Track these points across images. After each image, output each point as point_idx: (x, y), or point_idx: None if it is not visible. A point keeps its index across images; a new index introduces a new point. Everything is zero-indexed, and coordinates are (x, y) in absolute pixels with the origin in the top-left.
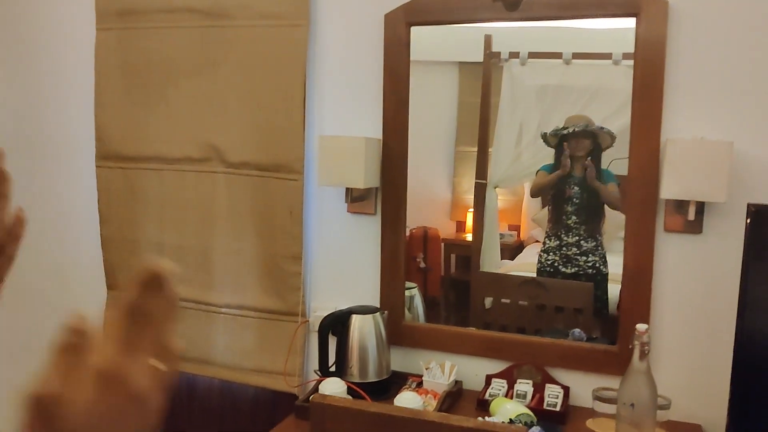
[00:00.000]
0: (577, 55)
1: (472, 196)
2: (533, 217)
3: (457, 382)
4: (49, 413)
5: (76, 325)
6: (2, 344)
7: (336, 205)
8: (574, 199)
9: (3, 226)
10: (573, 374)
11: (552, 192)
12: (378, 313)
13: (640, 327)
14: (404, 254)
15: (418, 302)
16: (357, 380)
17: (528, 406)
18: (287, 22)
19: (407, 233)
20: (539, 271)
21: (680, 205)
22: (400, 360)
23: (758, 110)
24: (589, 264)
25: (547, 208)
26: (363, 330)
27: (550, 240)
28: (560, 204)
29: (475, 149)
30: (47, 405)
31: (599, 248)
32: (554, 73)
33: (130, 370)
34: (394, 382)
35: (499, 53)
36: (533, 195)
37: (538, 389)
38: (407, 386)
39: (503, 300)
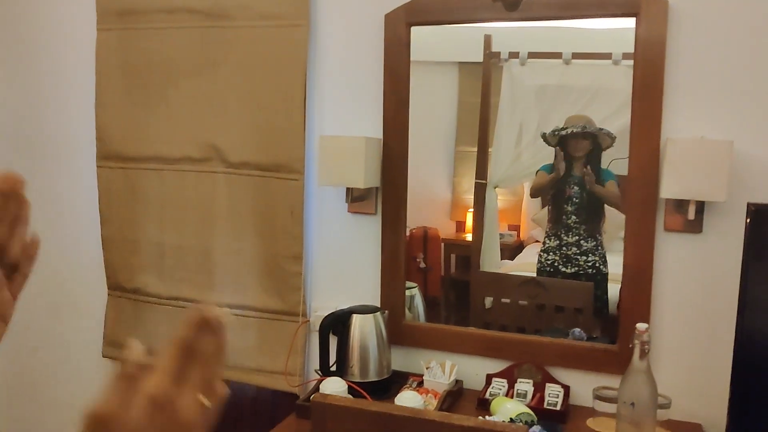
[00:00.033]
0: (576, 55)
1: (472, 196)
2: (533, 217)
3: (457, 382)
4: (105, 430)
5: (134, 357)
6: (2, 344)
7: (336, 205)
8: (574, 199)
9: (21, 247)
10: (573, 373)
11: (552, 192)
12: (378, 312)
13: (641, 326)
14: (404, 254)
15: (419, 302)
16: (358, 380)
17: (528, 406)
18: (287, 23)
19: (407, 233)
20: (539, 271)
21: (680, 205)
22: (401, 359)
23: (758, 110)
24: (589, 264)
25: (546, 207)
26: (364, 329)
27: (550, 240)
28: (560, 204)
29: (475, 149)
30: (104, 422)
31: (599, 248)
32: (554, 73)
33: (179, 399)
34: (395, 381)
35: (499, 53)
36: (533, 195)
37: (539, 388)
38: (408, 386)
39: (503, 300)
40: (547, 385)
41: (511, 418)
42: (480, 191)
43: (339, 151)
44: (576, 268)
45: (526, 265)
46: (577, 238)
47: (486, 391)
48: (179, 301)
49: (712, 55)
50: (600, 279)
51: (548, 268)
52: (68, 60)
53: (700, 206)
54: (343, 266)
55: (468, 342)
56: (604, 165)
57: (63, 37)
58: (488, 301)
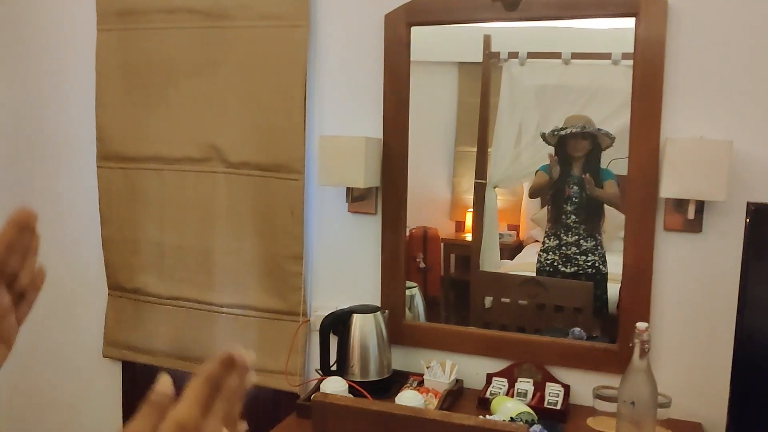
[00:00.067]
0: (576, 55)
1: (472, 196)
2: (532, 216)
3: (457, 381)
4: None
5: (163, 388)
6: None
7: (337, 204)
8: (574, 199)
9: (30, 276)
10: (573, 373)
11: (551, 192)
12: (379, 312)
13: (641, 325)
14: (404, 254)
15: (419, 301)
16: (358, 379)
17: (529, 405)
18: (287, 23)
19: (407, 233)
20: (539, 271)
21: (680, 204)
22: (401, 359)
23: (758, 109)
24: (589, 263)
25: (546, 207)
26: (364, 329)
27: (549, 239)
28: (559, 203)
29: (475, 149)
30: None
31: (599, 248)
32: (553, 73)
33: (205, 428)
34: (395, 381)
35: (499, 53)
36: (531, 196)
37: (539, 388)
38: (408, 385)
39: (503, 299)
40: (548, 384)
41: (511, 417)
42: (480, 191)
43: (339, 151)
44: (575, 268)
45: (525, 264)
46: (576, 237)
47: (486, 390)
48: (179, 301)
49: (712, 55)
50: (599, 279)
51: (548, 268)
52: (68, 60)
53: (700, 206)
54: (344, 266)
55: (468, 341)
56: (603, 165)
57: (63, 37)
58: (488, 301)
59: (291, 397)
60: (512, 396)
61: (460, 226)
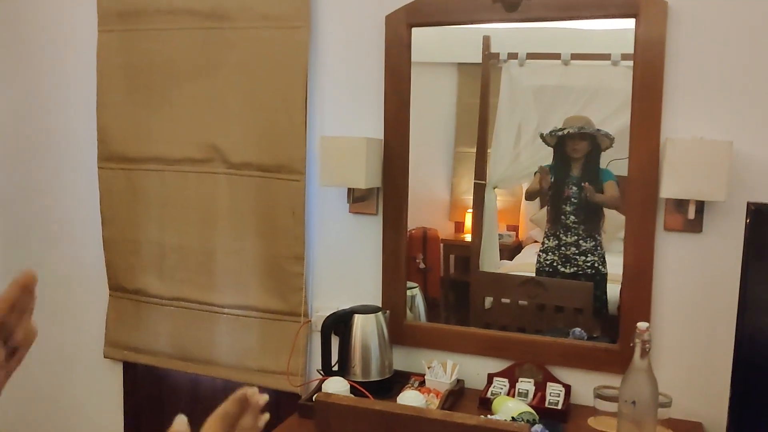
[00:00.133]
0: (575, 56)
1: (471, 197)
2: (532, 217)
3: (459, 381)
4: None
5: (179, 428)
6: None
7: (338, 205)
8: (573, 199)
9: (23, 334)
10: (574, 373)
11: (550, 192)
12: (380, 312)
13: (641, 325)
14: (405, 254)
15: (420, 302)
16: (360, 379)
17: (530, 405)
18: (288, 24)
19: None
20: (538, 271)
21: (680, 205)
22: (402, 359)
23: (757, 110)
24: (588, 264)
25: (545, 208)
26: (365, 329)
27: (548, 240)
28: (559, 204)
29: (474, 150)
30: None
31: (598, 248)
32: (553, 74)
33: None
34: (397, 381)
35: (498, 54)
36: (527, 198)
37: (540, 388)
38: (410, 385)
39: (503, 300)
40: (548, 384)
41: (513, 417)
42: (479, 192)
43: (340, 152)
44: (575, 268)
45: (524, 265)
46: (576, 238)
47: (487, 390)
48: (180, 302)
49: (712, 55)
50: (599, 279)
51: (547, 268)
52: (69, 61)
53: (700, 206)
54: (345, 266)
55: (469, 342)
56: (603, 165)
57: (64, 38)
58: (488, 302)
59: (292, 397)
60: (513, 396)
61: (459, 226)
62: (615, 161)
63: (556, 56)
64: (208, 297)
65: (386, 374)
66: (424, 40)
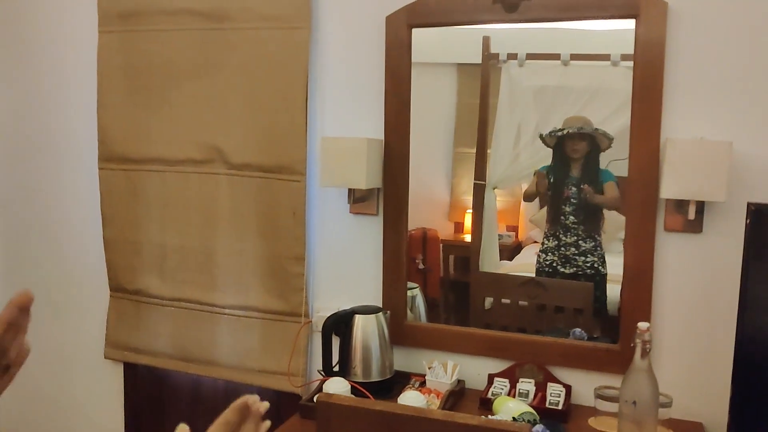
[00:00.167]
0: (575, 57)
1: (470, 197)
2: (531, 217)
3: (459, 382)
4: None
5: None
6: None
7: (338, 206)
8: (572, 200)
9: (16, 352)
10: (575, 373)
11: (550, 193)
12: (381, 313)
13: (642, 325)
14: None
15: (420, 302)
16: (360, 380)
17: (530, 405)
18: (288, 25)
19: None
20: (538, 272)
21: (680, 205)
22: (403, 360)
23: (757, 110)
24: (588, 264)
25: (545, 208)
26: (366, 330)
27: (548, 240)
28: (558, 204)
29: (474, 150)
30: None
31: (598, 248)
32: (552, 74)
33: None
34: (397, 381)
35: (498, 55)
36: (525, 200)
37: (540, 388)
38: (410, 385)
39: (503, 300)
40: (549, 384)
41: (513, 418)
42: (479, 192)
43: (341, 153)
44: (575, 269)
45: (524, 265)
46: (575, 238)
47: (488, 390)
48: (181, 303)
49: (712, 56)
50: (599, 280)
51: (547, 269)
52: (70, 62)
53: (700, 206)
54: (345, 267)
55: (469, 342)
56: (602, 165)
57: (64, 39)
58: (488, 302)
59: (293, 398)
60: (514, 396)
61: (458, 227)
62: (615, 162)
63: (556, 57)
64: (208, 297)
65: (387, 375)
66: (424, 41)
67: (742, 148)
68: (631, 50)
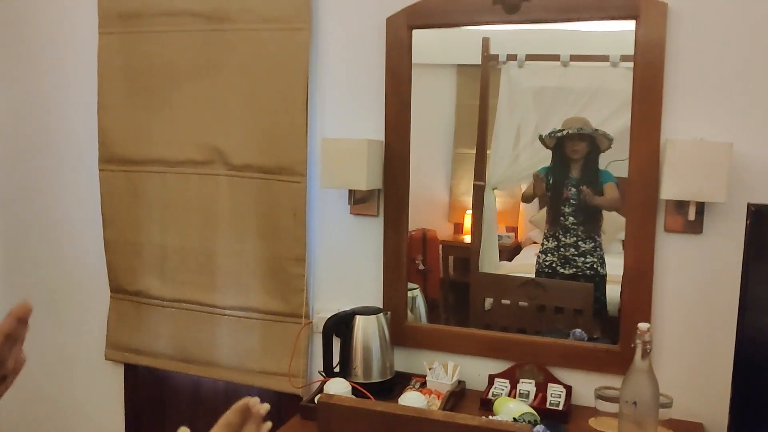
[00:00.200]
0: (574, 57)
1: (470, 198)
2: (531, 218)
3: (460, 382)
4: None
5: None
6: None
7: (339, 207)
8: (572, 200)
9: (14, 362)
10: (575, 374)
11: (549, 193)
12: (381, 314)
13: (642, 326)
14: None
15: (420, 303)
16: (361, 381)
17: (531, 406)
18: (289, 26)
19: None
20: (537, 273)
21: (680, 206)
22: (404, 360)
23: (757, 111)
24: (587, 265)
25: (544, 209)
26: (367, 331)
27: (548, 241)
28: (557, 205)
29: (473, 151)
30: None
31: (597, 249)
32: (552, 75)
33: None
34: (398, 382)
35: (497, 56)
36: (524, 201)
37: (541, 389)
38: (411, 386)
39: (503, 301)
40: (549, 385)
41: (514, 418)
42: (479, 193)
43: (341, 154)
44: (574, 270)
45: (524, 266)
46: (575, 239)
47: (488, 391)
48: (182, 304)
49: (712, 57)
50: (598, 280)
51: (546, 270)
52: (70, 63)
53: (700, 207)
54: (346, 268)
55: (470, 343)
56: (602, 166)
57: (64, 38)
58: (488, 303)
59: (294, 399)
60: (514, 397)
61: (458, 228)
62: (614, 162)
63: (555, 58)
64: (209, 298)
65: (387, 375)
66: (423, 42)
67: (742, 149)
68: (630, 51)
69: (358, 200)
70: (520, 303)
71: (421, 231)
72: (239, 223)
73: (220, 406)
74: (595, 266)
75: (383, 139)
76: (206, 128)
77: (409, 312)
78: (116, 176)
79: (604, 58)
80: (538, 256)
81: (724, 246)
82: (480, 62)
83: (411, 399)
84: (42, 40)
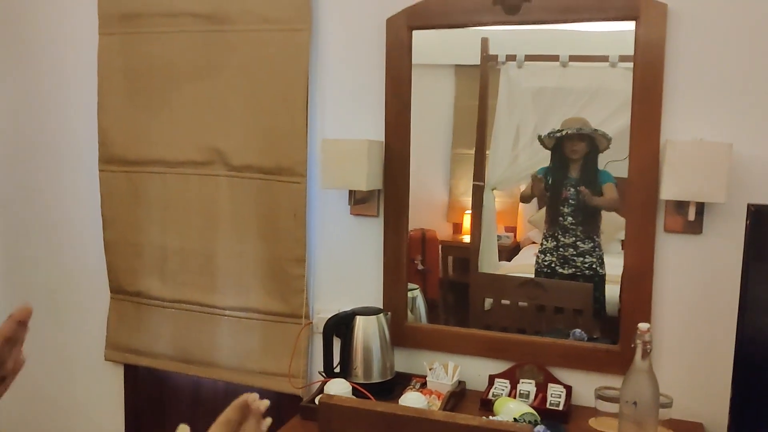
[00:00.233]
0: (573, 58)
1: (469, 198)
2: (530, 218)
3: (460, 383)
4: None
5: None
6: None
7: (339, 207)
8: (570, 201)
9: (13, 364)
10: (575, 374)
11: (548, 194)
12: (381, 314)
13: (642, 326)
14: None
15: (420, 303)
16: (361, 381)
17: (531, 406)
18: (289, 27)
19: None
20: (537, 273)
21: (680, 206)
22: (404, 361)
23: (757, 111)
24: (586, 265)
25: (543, 209)
26: (367, 331)
27: (547, 241)
28: (556, 205)
29: (472, 151)
30: None
31: (596, 249)
32: (551, 76)
33: None
34: (398, 382)
35: (496, 56)
36: (522, 201)
37: (541, 389)
38: (411, 387)
39: (503, 301)
40: (550, 385)
41: (514, 418)
42: (478, 193)
43: (341, 154)
44: (573, 269)
45: (523, 266)
46: (573, 239)
47: (489, 391)
48: (182, 304)
49: (711, 57)
50: (597, 281)
51: (545, 270)
52: (70, 64)
53: (700, 207)
54: (346, 268)
55: (470, 343)
56: (601, 166)
57: (64, 39)
58: (488, 303)
59: (294, 399)
60: (514, 397)
61: (457, 228)
62: (613, 162)
63: (555, 58)
64: (209, 299)
65: (388, 376)
66: (422, 43)
67: (741, 150)
68: (629, 51)
69: (358, 201)
70: (520, 303)
71: (420, 231)
72: (239, 224)
73: (220, 406)
74: (594, 266)
75: (383, 140)
76: (206, 129)
77: (409, 312)
78: (116, 177)
79: (604, 59)
80: (537, 256)
81: (724, 246)
82: (479, 63)
83: (411, 399)
84: (42, 41)
